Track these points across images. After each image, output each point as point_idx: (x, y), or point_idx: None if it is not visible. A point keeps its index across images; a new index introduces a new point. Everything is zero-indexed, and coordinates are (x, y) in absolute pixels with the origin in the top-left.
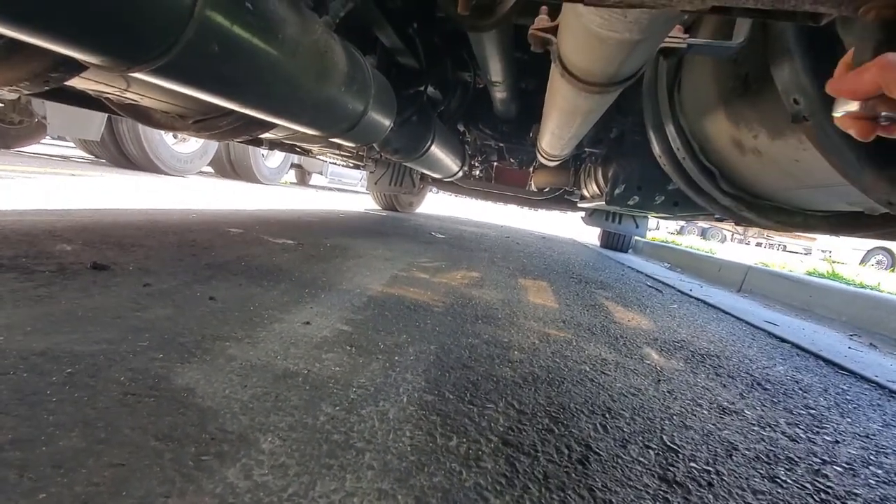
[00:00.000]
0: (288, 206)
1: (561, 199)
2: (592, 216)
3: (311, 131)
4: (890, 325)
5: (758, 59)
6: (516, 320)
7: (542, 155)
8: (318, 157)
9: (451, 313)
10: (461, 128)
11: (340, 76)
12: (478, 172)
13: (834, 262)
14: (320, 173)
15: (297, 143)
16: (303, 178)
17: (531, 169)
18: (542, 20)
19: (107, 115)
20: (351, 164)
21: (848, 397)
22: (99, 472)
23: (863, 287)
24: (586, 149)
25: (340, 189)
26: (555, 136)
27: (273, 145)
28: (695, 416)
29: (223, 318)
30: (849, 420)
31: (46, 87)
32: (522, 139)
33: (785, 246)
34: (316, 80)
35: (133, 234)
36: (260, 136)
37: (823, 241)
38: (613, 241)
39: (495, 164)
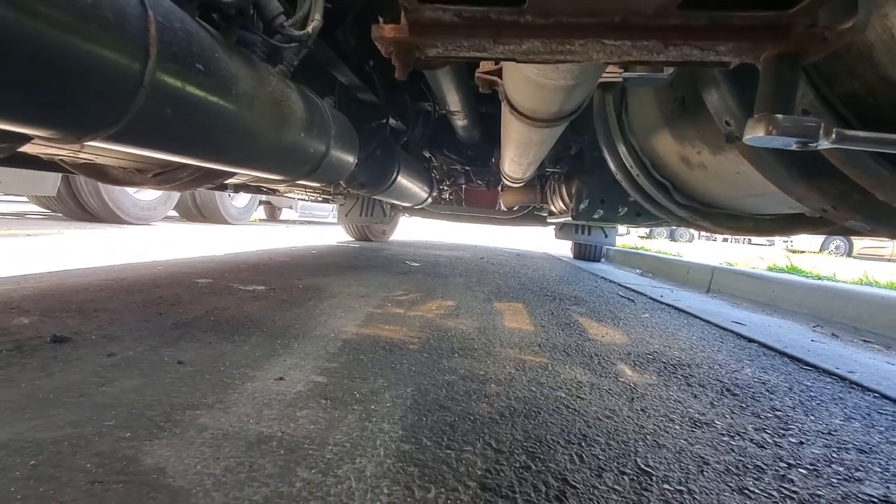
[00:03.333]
0: (258, 248)
1: (531, 215)
2: (563, 230)
3: (274, 176)
4: (847, 314)
5: (691, 83)
6: (492, 349)
7: (505, 178)
8: (285, 195)
9: (428, 349)
10: (427, 154)
11: (299, 122)
12: (448, 196)
13: (794, 251)
14: (290, 207)
15: (263, 185)
16: (273, 213)
17: (499, 188)
18: (486, 64)
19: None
20: (320, 199)
21: (811, 394)
22: None
23: (819, 279)
24: (548, 168)
25: (312, 222)
26: (514, 163)
27: (238, 188)
28: (667, 432)
29: (193, 383)
30: (812, 418)
31: None
32: (487, 161)
33: (749, 239)
34: (274, 129)
35: (95, 297)
36: (224, 182)
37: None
38: (585, 252)
39: (464, 186)
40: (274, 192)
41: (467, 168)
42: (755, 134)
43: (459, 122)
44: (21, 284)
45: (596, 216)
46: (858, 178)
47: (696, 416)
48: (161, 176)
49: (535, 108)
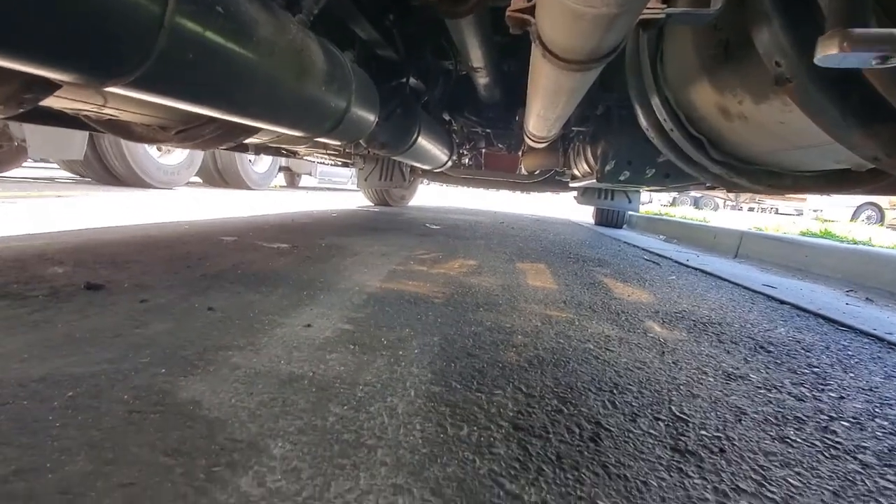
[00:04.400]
0: (280, 210)
1: (552, 180)
2: (585, 195)
3: (295, 133)
4: (884, 278)
5: (737, 25)
6: (517, 305)
7: (529, 138)
8: (305, 158)
9: (452, 303)
10: (447, 117)
11: (320, 74)
12: (467, 160)
13: (825, 220)
14: (310, 174)
15: (283, 146)
16: (292, 180)
17: (520, 153)
18: (518, 1)
19: (88, 132)
20: (339, 163)
21: (849, 353)
22: (109, 493)
23: (855, 243)
24: (573, 128)
25: (331, 188)
26: (540, 118)
27: (259, 150)
28: (701, 384)
29: (224, 327)
30: (852, 375)
31: (21, 110)
32: (509, 123)
33: (777, 209)
34: (295, 80)
35: (125, 251)
36: (245, 142)
37: (814, 202)
38: (608, 218)
39: (484, 150)
40: (294, 154)
41: (488, 131)
42: (827, 52)
43: (482, 79)
44: (54, 240)
45: (622, 178)
46: None
47: (730, 369)
48: (183, 133)
49: (571, 46)
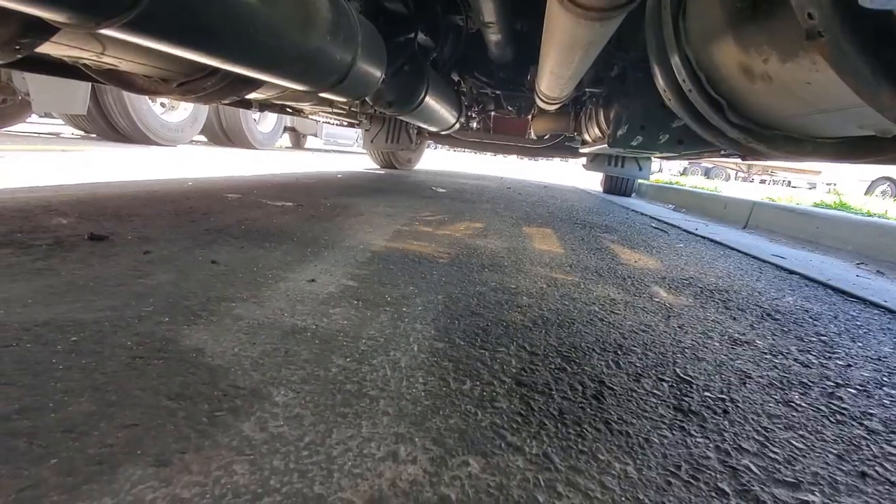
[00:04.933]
0: (284, 170)
1: (562, 145)
2: (594, 161)
3: (299, 87)
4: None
5: None
6: (523, 267)
7: (540, 99)
8: (310, 116)
9: (457, 264)
10: (455, 77)
11: (324, 24)
12: (475, 124)
13: (840, 193)
14: (315, 135)
15: (288, 103)
16: (297, 141)
17: (530, 116)
18: None
19: (91, 86)
20: (345, 123)
21: (858, 323)
22: (112, 433)
23: (870, 216)
24: (587, 89)
25: (337, 150)
26: (554, 76)
27: (263, 106)
28: (706, 348)
29: (227, 280)
30: (860, 344)
31: (19, 56)
32: (520, 85)
33: (789, 182)
34: (299, 28)
35: (129, 205)
36: (248, 97)
37: (828, 175)
38: (617, 186)
39: (493, 113)
40: (299, 112)
41: (497, 93)
42: None
43: (493, 36)
44: (58, 193)
45: (634, 143)
46: None
47: (736, 335)
48: (185, 86)
49: None
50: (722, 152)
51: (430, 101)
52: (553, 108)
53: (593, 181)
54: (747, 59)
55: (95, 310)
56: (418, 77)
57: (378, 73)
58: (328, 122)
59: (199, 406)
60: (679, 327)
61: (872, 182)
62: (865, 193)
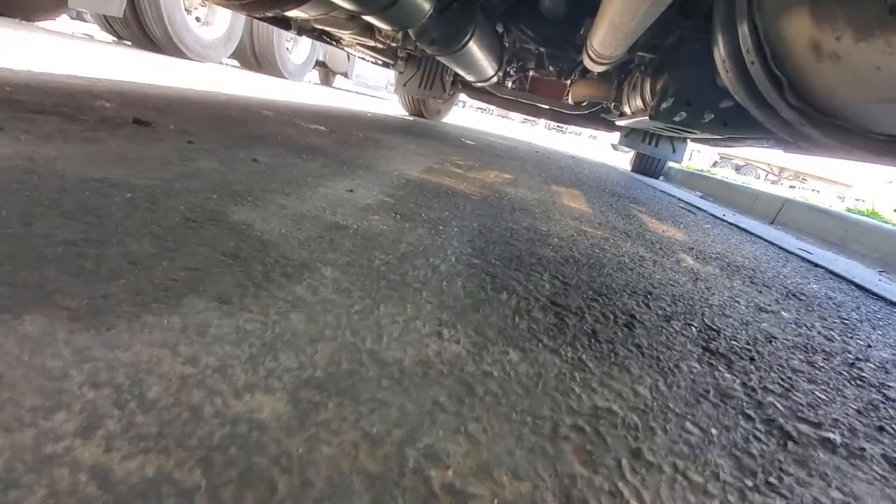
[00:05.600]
0: (315, 101)
1: (597, 116)
2: (628, 136)
3: (348, 4)
4: None
5: None
6: (552, 216)
7: (590, 57)
8: (346, 49)
9: (489, 203)
10: (500, 29)
11: None
12: (511, 83)
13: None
14: (345, 75)
15: (328, 28)
16: (326, 78)
17: (569, 81)
18: None
19: None
20: (380, 62)
21: (879, 316)
22: (175, 272)
23: None
24: (639, 53)
25: (366, 93)
26: (612, 29)
27: (301, 30)
28: (733, 308)
29: (268, 176)
30: (880, 332)
31: None
32: (567, 44)
33: (818, 191)
34: None
35: (168, 104)
36: (289, 16)
37: (858, 190)
38: (646, 166)
39: (531, 73)
40: (338, 42)
41: (542, 50)
42: None
43: None
44: (97, 83)
45: (677, 118)
46: None
47: (762, 304)
48: None
49: None
50: (765, 143)
51: (473, 47)
52: (601, 69)
53: (621, 161)
54: (819, 34)
55: (146, 178)
56: (466, 18)
57: (427, 5)
58: (363, 59)
59: (254, 267)
60: (707, 288)
61: None
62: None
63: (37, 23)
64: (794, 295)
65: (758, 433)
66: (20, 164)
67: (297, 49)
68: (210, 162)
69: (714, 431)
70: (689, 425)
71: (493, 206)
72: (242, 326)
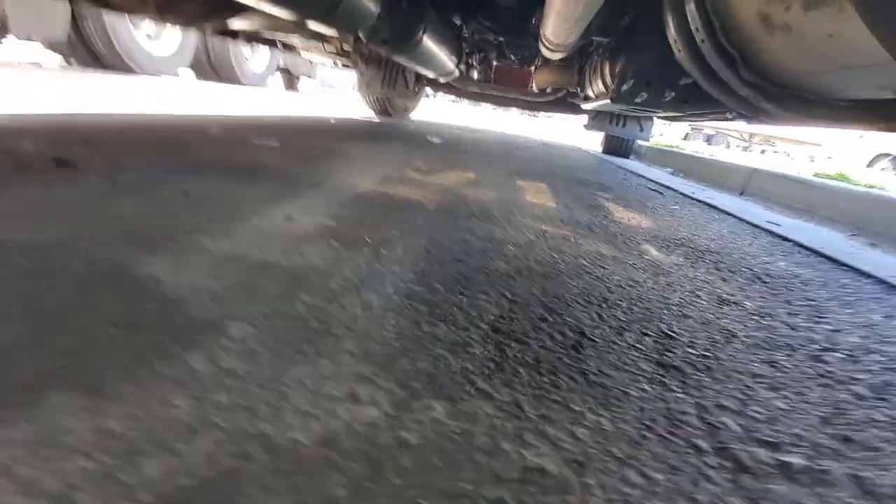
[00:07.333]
0: (274, 111)
1: (564, 101)
2: (595, 119)
3: (286, 13)
4: (891, 225)
5: None
6: (512, 218)
7: (545, 46)
8: (303, 54)
9: (444, 210)
10: (458, 21)
11: None
12: (476, 74)
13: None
14: (309, 77)
15: (278, 36)
16: (291, 82)
17: (533, 68)
18: None
19: (70, 11)
20: (340, 65)
21: (849, 291)
22: (46, 360)
23: (870, 187)
24: (593, 38)
25: (333, 95)
26: (560, 18)
27: (251, 38)
28: (693, 306)
29: (197, 213)
30: (849, 311)
31: None
32: (524, 31)
33: (788, 153)
34: None
35: (101, 134)
36: (235, 28)
37: (829, 149)
38: (616, 146)
39: (494, 63)
40: (292, 49)
41: (501, 39)
42: None
43: None
44: (22, 121)
45: (639, 100)
46: None
47: (725, 295)
48: (165, 6)
49: None
50: (728, 115)
51: (428, 43)
52: (558, 56)
53: (593, 142)
54: (768, 6)
55: (49, 234)
56: (417, 15)
57: (373, 7)
58: (322, 64)
59: (146, 337)
60: (668, 285)
61: (873, 158)
62: (867, 166)
63: None
64: (759, 278)
65: (708, 470)
66: None
67: (257, 56)
68: (131, 203)
69: (659, 477)
70: (631, 475)
71: (448, 215)
72: (105, 427)
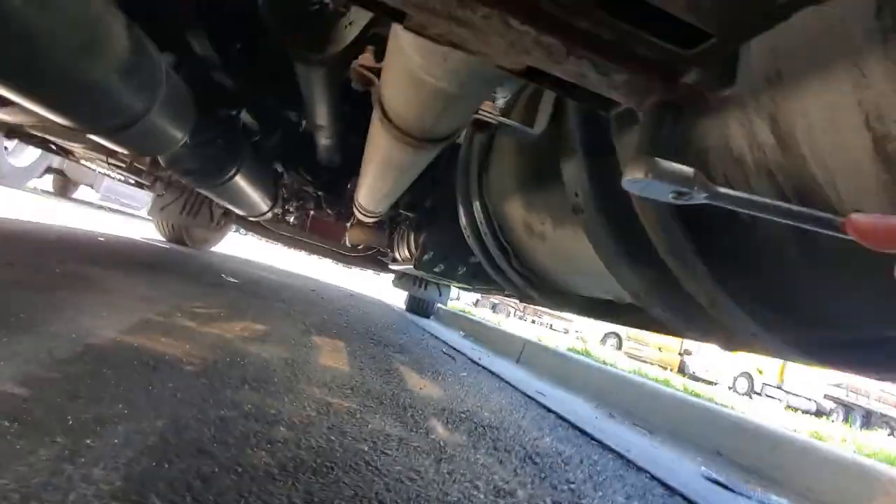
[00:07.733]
0: (23, 218)
1: (374, 258)
2: (401, 279)
3: (63, 120)
4: (622, 398)
5: (552, 154)
6: (296, 385)
7: (359, 210)
8: (82, 161)
9: (210, 373)
10: (280, 168)
11: (116, 58)
12: (292, 219)
13: (584, 340)
14: (91, 186)
15: (51, 138)
16: (64, 188)
17: (349, 224)
18: (366, 58)
19: None
20: (132, 181)
21: (598, 468)
22: None
23: (605, 364)
24: (402, 211)
25: (118, 211)
26: (371, 191)
27: (14, 133)
28: (471, 502)
29: None
30: (600, 493)
31: None
32: (342, 191)
33: (551, 325)
34: (77, 50)
35: None
36: None
37: (578, 324)
38: (418, 306)
39: (311, 213)
40: (68, 154)
41: (320, 193)
42: (635, 176)
43: (323, 140)
44: None
45: (437, 270)
46: (675, 266)
47: (501, 483)
48: None
49: (408, 116)
50: (506, 293)
51: (241, 182)
52: (369, 220)
53: (399, 298)
54: (529, 217)
55: None
56: (232, 155)
57: (178, 134)
58: (108, 175)
59: None
60: (448, 473)
61: (605, 335)
62: (600, 342)
63: None
64: (530, 458)
65: None
66: None
67: (24, 151)
68: None
69: None
70: None
71: (213, 381)
72: None
